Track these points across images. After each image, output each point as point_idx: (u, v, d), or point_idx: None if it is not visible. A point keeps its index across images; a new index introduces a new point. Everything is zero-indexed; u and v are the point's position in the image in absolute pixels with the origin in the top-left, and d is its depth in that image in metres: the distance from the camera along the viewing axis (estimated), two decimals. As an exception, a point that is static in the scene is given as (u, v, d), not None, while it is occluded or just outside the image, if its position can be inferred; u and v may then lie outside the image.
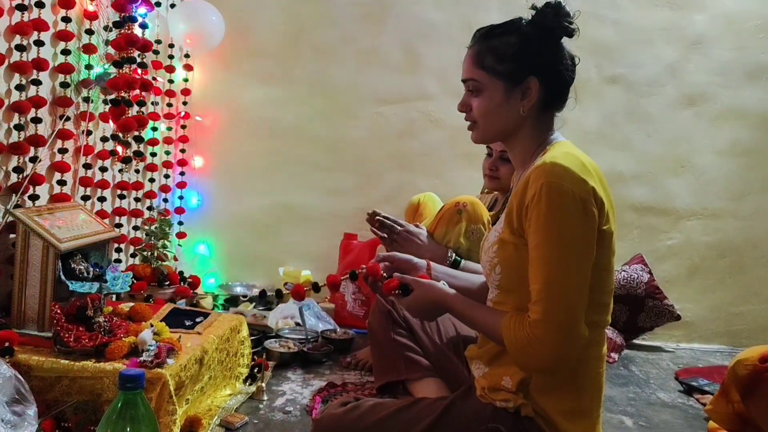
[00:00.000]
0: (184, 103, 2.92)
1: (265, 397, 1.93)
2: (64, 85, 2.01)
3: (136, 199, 2.61)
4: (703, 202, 3.05)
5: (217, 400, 1.82)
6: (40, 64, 1.87)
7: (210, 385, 1.77)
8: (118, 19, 2.18)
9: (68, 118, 2.05)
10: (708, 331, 3.06)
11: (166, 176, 2.91)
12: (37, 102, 1.87)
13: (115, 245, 2.44)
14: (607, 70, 3.03)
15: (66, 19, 1.99)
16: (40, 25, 1.85)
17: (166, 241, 2.49)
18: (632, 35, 3.02)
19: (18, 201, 1.82)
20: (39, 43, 1.87)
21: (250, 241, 3.11)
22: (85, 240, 1.77)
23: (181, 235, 2.95)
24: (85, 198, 2.20)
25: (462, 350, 1.57)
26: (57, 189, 2.04)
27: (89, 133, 2.18)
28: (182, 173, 2.96)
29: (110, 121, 2.25)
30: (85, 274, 1.75)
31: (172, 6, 2.75)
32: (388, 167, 3.10)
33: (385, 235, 1.87)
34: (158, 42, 2.69)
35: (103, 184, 2.27)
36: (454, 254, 1.82)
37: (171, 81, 2.82)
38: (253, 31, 3.02)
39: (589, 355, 1.17)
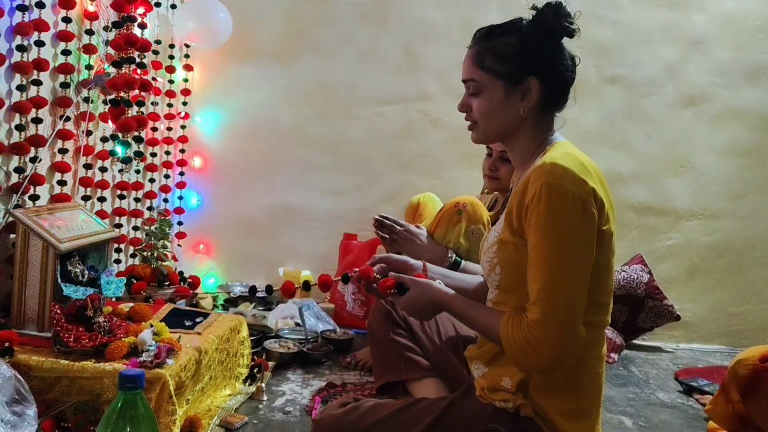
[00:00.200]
0: (184, 104, 2.92)
1: (265, 398, 1.93)
2: (65, 85, 2.01)
3: (136, 200, 2.61)
4: (703, 202, 3.05)
5: (216, 401, 1.82)
6: (40, 65, 1.87)
7: (210, 385, 1.77)
8: (117, 19, 2.18)
9: (68, 119, 2.05)
10: (707, 331, 3.06)
11: (166, 176, 2.91)
12: (38, 102, 1.87)
13: (115, 245, 2.44)
14: (607, 71, 3.04)
15: (66, 20, 1.99)
16: (40, 25, 1.85)
17: (166, 242, 2.49)
18: (632, 35, 3.03)
19: (18, 201, 1.82)
20: (39, 44, 1.87)
21: (250, 241, 3.11)
22: (84, 240, 1.77)
23: (180, 236, 2.95)
24: (85, 198, 2.21)
25: (461, 350, 1.57)
26: (57, 189, 2.05)
27: (89, 133, 2.18)
28: (182, 173, 2.96)
29: (109, 121, 2.25)
30: (80, 278, 1.74)
31: (173, 6, 2.76)
32: (388, 167, 3.10)
33: (386, 235, 1.87)
34: (158, 42, 2.69)
35: (103, 185, 2.27)
36: (453, 254, 1.83)
37: (171, 81, 2.82)
38: (253, 31, 3.02)
39: (589, 355, 1.17)
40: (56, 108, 2.01)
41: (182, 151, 2.94)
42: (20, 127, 1.85)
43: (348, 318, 2.80)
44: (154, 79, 2.68)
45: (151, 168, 2.68)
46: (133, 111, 2.37)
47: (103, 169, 2.28)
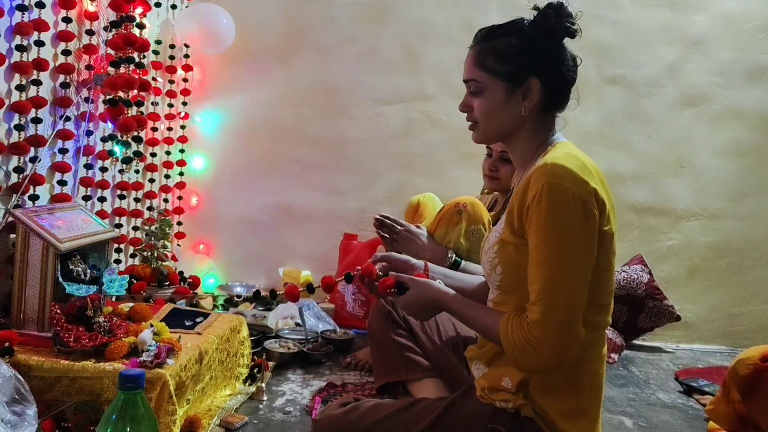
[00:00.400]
0: (184, 104, 2.92)
1: (265, 398, 1.93)
2: (65, 85, 2.01)
3: (136, 200, 2.61)
4: (703, 202, 3.05)
5: (216, 401, 1.82)
6: (40, 65, 1.87)
7: (210, 385, 1.77)
8: (115, 19, 2.18)
9: (68, 119, 2.05)
10: (708, 331, 3.06)
11: (167, 176, 2.91)
12: (38, 102, 1.87)
13: (115, 245, 2.44)
14: (607, 71, 3.04)
15: (66, 20, 1.99)
16: (40, 25, 1.85)
17: (166, 242, 2.49)
18: (632, 36, 3.03)
19: (18, 201, 1.82)
20: (39, 44, 1.87)
21: (250, 241, 3.11)
22: (84, 240, 1.77)
23: (180, 236, 2.95)
24: (85, 198, 2.20)
25: (462, 350, 1.57)
26: (57, 189, 2.05)
27: (90, 133, 2.18)
28: (181, 173, 2.96)
29: (107, 121, 2.25)
30: (83, 276, 1.74)
31: (173, 7, 2.76)
32: (388, 168, 3.10)
33: (386, 235, 1.87)
34: (158, 42, 2.69)
35: (103, 185, 2.27)
36: (454, 255, 1.83)
37: (171, 81, 2.82)
38: (254, 31, 3.02)
39: (589, 355, 1.17)
40: (56, 108, 2.01)
41: (182, 151, 2.94)
42: (19, 127, 1.85)
43: (348, 318, 2.80)
44: (154, 79, 2.68)
45: (151, 168, 2.68)
46: (133, 111, 2.37)
47: (103, 169, 2.28)
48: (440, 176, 3.07)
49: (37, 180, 1.87)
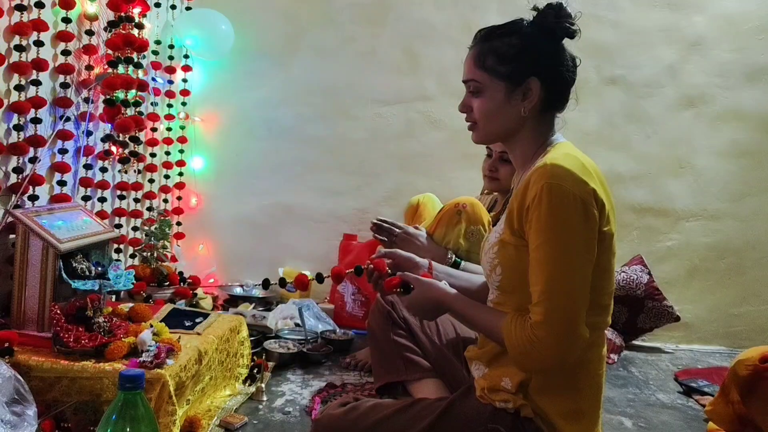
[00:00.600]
0: (184, 104, 2.92)
1: (265, 398, 1.93)
2: (65, 85, 2.01)
3: (136, 200, 2.61)
4: (703, 203, 3.05)
5: (216, 401, 1.82)
6: (39, 65, 1.87)
7: (210, 385, 1.77)
8: (113, 19, 2.18)
9: (68, 119, 2.05)
10: (707, 332, 3.06)
11: (166, 176, 2.91)
12: (37, 102, 1.87)
13: (115, 246, 2.44)
14: (607, 71, 3.04)
15: (66, 20, 1.99)
16: (39, 25, 1.85)
17: (165, 242, 2.49)
18: (632, 36, 3.03)
19: (18, 201, 1.82)
20: (39, 44, 1.87)
21: (250, 241, 3.11)
22: (84, 240, 1.77)
23: (179, 236, 2.95)
24: (85, 198, 2.20)
25: (461, 351, 1.57)
26: (57, 189, 2.04)
27: (89, 133, 2.18)
28: (181, 174, 2.96)
29: (104, 121, 2.25)
30: (88, 273, 1.74)
31: (173, 7, 2.76)
32: (388, 168, 3.10)
33: (385, 239, 1.87)
34: (158, 42, 2.69)
35: (103, 185, 2.27)
36: (453, 255, 1.83)
37: (171, 82, 2.82)
38: (253, 31, 3.03)
39: (589, 356, 1.17)
40: (56, 108, 2.01)
41: (181, 151, 2.94)
42: (18, 127, 1.84)
43: (348, 318, 2.80)
44: (153, 79, 2.68)
45: (150, 168, 2.68)
46: (132, 111, 2.36)
47: (103, 170, 2.28)
48: (440, 177, 3.07)
49: (36, 180, 1.87)
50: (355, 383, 2.11)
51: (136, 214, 2.57)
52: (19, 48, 1.83)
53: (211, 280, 3.06)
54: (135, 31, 2.28)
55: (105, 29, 2.18)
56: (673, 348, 2.99)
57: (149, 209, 2.72)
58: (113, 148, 2.28)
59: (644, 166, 3.07)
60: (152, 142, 2.67)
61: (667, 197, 3.07)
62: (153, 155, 2.69)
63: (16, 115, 1.83)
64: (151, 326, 1.64)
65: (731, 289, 3.05)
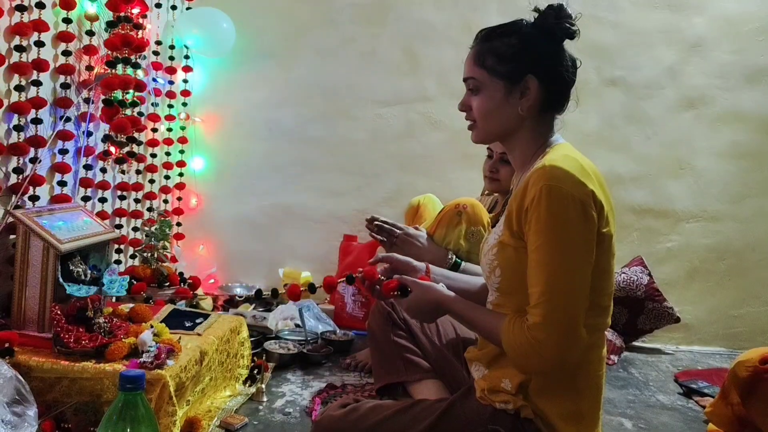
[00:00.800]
0: (184, 104, 2.92)
1: (265, 399, 1.93)
2: (65, 86, 2.01)
3: (136, 201, 2.61)
4: (703, 204, 3.05)
5: (216, 402, 1.82)
6: (40, 65, 1.87)
7: (210, 386, 1.77)
8: (111, 18, 2.18)
9: (68, 119, 2.05)
10: (707, 333, 3.06)
11: (167, 177, 2.91)
12: (37, 103, 1.87)
13: (115, 246, 2.44)
14: (607, 73, 3.04)
15: (67, 20, 1.99)
16: (40, 26, 1.85)
17: (166, 242, 2.49)
18: (632, 37, 3.03)
19: (18, 202, 1.82)
20: (39, 44, 1.87)
21: (250, 242, 3.11)
22: (85, 241, 1.77)
23: (179, 236, 2.95)
24: (85, 199, 2.20)
25: (462, 352, 1.57)
26: (57, 190, 2.05)
27: (90, 134, 2.18)
28: (181, 174, 2.96)
29: (104, 122, 2.25)
30: (83, 277, 1.74)
31: (173, 8, 2.76)
32: (388, 169, 3.11)
33: (385, 239, 1.87)
34: (159, 43, 2.70)
35: (103, 185, 2.27)
36: (454, 256, 1.83)
37: (171, 82, 2.82)
38: (254, 31, 3.03)
39: (589, 357, 1.17)
40: (56, 108, 2.01)
41: (182, 152, 2.94)
42: (19, 128, 1.85)
43: (348, 319, 2.80)
44: (154, 79, 2.68)
45: (151, 169, 2.68)
46: (130, 112, 2.36)
47: (103, 170, 2.28)
48: (440, 177, 3.07)
49: (37, 181, 1.87)
50: (355, 384, 2.11)
51: (136, 214, 2.57)
52: (20, 48, 1.83)
53: (212, 281, 3.06)
54: (138, 32, 2.27)
55: (105, 30, 2.18)
56: (673, 349, 2.99)
57: (149, 210, 2.72)
58: (112, 149, 2.28)
59: (644, 168, 3.07)
60: (153, 143, 2.67)
61: (667, 198, 3.07)
62: (153, 156, 2.69)
63: (16, 116, 1.84)
64: (152, 327, 1.64)
65: (731, 290, 3.05)
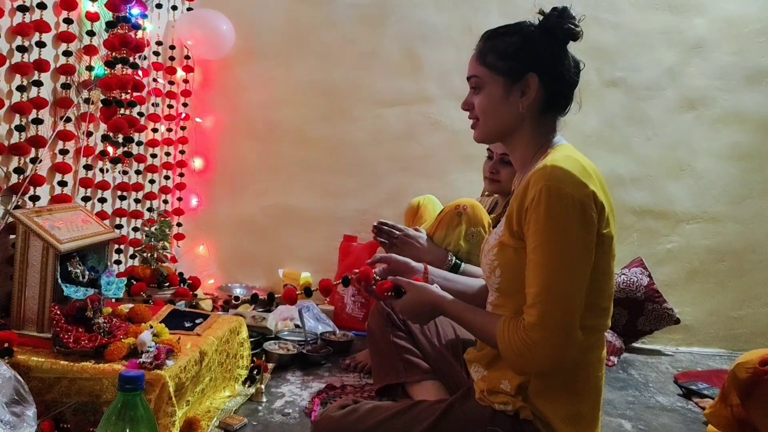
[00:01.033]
0: (185, 105, 2.92)
1: (264, 399, 1.93)
2: (66, 86, 2.02)
3: (136, 201, 2.61)
4: (703, 205, 3.05)
5: (216, 402, 1.82)
6: (41, 65, 1.87)
7: (209, 386, 1.77)
8: (111, 19, 2.18)
9: (69, 119, 2.05)
10: (707, 334, 3.06)
11: (167, 177, 2.91)
12: (38, 103, 1.87)
13: (115, 246, 2.44)
14: (607, 74, 3.04)
15: (68, 21, 1.99)
16: (41, 26, 1.86)
17: (165, 243, 2.49)
18: (632, 39, 3.03)
19: (18, 202, 1.82)
20: (41, 45, 1.87)
21: (250, 242, 3.11)
22: (84, 241, 1.77)
23: (179, 237, 2.95)
24: (85, 199, 2.21)
25: (461, 353, 1.57)
26: (58, 190, 2.05)
27: (90, 134, 2.18)
28: (182, 174, 2.96)
29: (100, 122, 2.25)
30: (81, 278, 1.74)
31: (174, 8, 2.76)
32: (388, 169, 3.11)
33: (385, 241, 1.87)
34: (159, 43, 2.70)
35: (103, 186, 2.27)
36: (453, 257, 1.83)
37: (171, 82, 2.82)
38: (254, 32, 3.03)
39: (589, 359, 1.17)
40: (57, 109, 2.01)
41: (182, 152, 2.94)
42: (20, 128, 1.85)
43: (347, 320, 2.80)
44: (155, 80, 2.68)
45: (151, 169, 2.68)
46: (129, 112, 2.36)
47: (103, 170, 2.28)
48: (440, 178, 3.07)
49: (37, 181, 1.88)
50: (354, 385, 2.11)
51: (136, 214, 2.57)
52: (21, 49, 1.83)
53: (211, 281, 3.06)
54: (138, 32, 2.27)
55: (105, 30, 2.18)
56: (672, 350, 2.98)
57: (149, 210, 2.72)
58: (110, 149, 2.28)
59: (644, 169, 3.07)
60: (153, 143, 2.67)
61: (668, 200, 3.06)
62: (153, 156, 2.69)
63: (18, 116, 1.84)
64: (151, 327, 1.64)
65: (731, 291, 3.05)
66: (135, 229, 2.59)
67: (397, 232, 1.86)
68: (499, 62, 1.20)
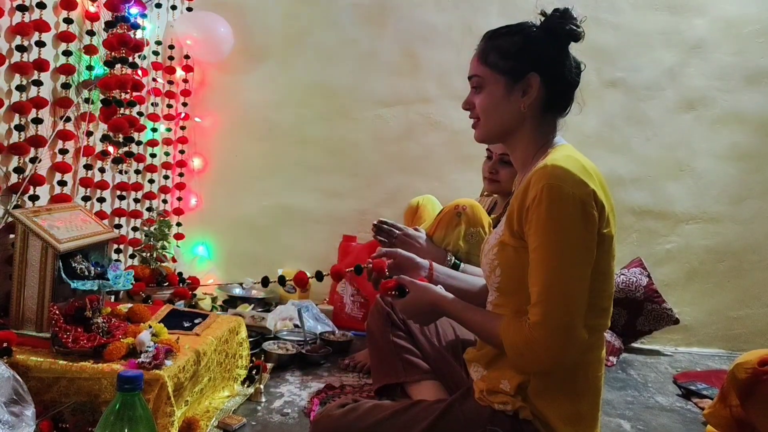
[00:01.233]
0: (184, 104, 2.92)
1: (263, 399, 1.92)
2: (66, 86, 2.01)
3: (136, 200, 2.61)
4: (702, 206, 3.05)
5: (215, 402, 1.82)
6: (41, 65, 1.87)
7: (208, 386, 1.77)
8: (110, 19, 2.18)
9: (69, 119, 2.05)
10: (706, 335, 3.06)
11: (166, 177, 2.91)
12: (38, 103, 1.87)
13: (115, 246, 2.44)
14: (607, 74, 3.04)
15: (68, 20, 1.99)
16: (41, 26, 1.85)
17: (165, 242, 2.49)
18: (632, 39, 3.03)
19: (18, 201, 1.82)
20: (40, 44, 1.87)
21: (249, 242, 3.11)
22: (84, 241, 1.77)
23: (179, 237, 2.95)
24: (85, 199, 2.20)
25: (461, 353, 1.57)
26: (57, 190, 2.05)
27: (90, 134, 2.18)
28: (181, 174, 2.96)
29: (99, 122, 2.24)
30: (87, 273, 1.74)
31: (173, 8, 2.76)
32: (388, 169, 3.10)
33: (385, 239, 1.87)
34: (158, 43, 2.69)
35: (102, 185, 2.27)
36: (453, 257, 1.83)
37: (171, 82, 2.82)
38: (254, 32, 3.03)
39: (588, 359, 1.17)
40: (57, 108, 2.01)
41: (182, 152, 2.94)
42: (20, 128, 1.85)
43: (347, 320, 2.80)
44: (154, 80, 2.68)
45: (150, 169, 2.68)
46: (128, 112, 2.36)
47: (102, 170, 2.28)
48: (440, 178, 3.07)
49: (37, 180, 1.87)
50: (353, 385, 2.11)
51: (135, 214, 2.57)
52: (21, 48, 1.83)
53: (211, 281, 3.06)
54: (132, 31, 2.27)
55: (105, 30, 2.18)
56: (672, 351, 2.99)
57: (149, 210, 2.72)
58: (110, 149, 2.28)
59: (644, 169, 3.07)
60: (152, 143, 2.67)
61: (667, 200, 3.07)
62: (153, 155, 2.69)
63: (17, 115, 1.84)
64: (150, 327, 1.64)
65: (730, 292, 3.05)
66: (134, 229, 2.59)
67: (397, 231, 1.86)
68: (501, 62, 1.20)
